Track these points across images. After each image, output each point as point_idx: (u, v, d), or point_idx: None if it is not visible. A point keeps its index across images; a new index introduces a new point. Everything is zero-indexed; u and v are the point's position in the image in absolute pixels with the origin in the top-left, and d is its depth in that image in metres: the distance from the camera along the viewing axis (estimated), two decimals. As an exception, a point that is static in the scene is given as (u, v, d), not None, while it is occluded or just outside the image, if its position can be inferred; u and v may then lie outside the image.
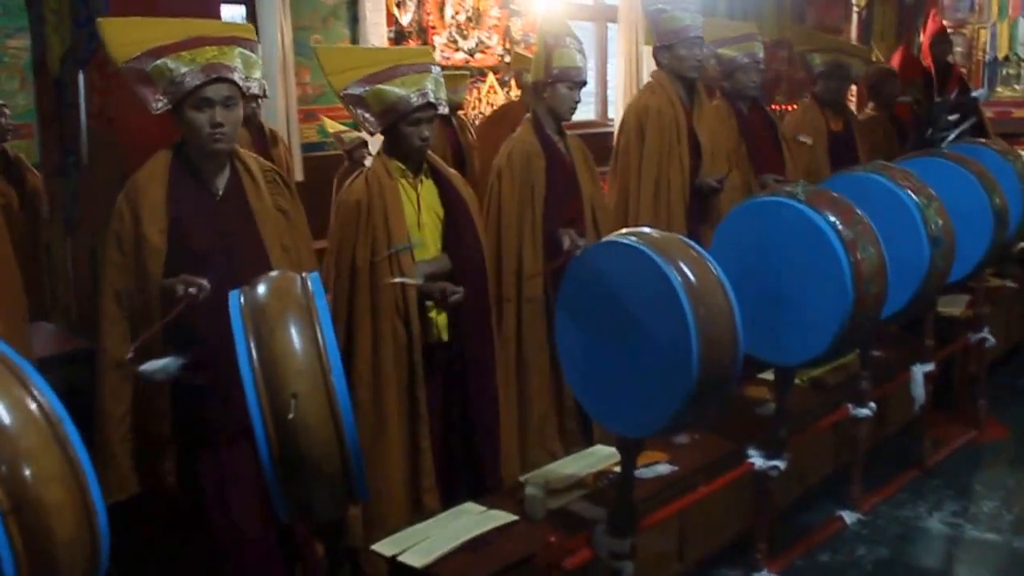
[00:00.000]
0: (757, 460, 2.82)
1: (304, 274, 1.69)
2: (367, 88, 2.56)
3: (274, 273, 1.70)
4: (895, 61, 5.51)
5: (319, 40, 7.77)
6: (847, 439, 3.42)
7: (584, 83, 3.12)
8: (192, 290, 2.08)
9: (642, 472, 2.75)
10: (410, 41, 8.35)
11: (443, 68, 8.25)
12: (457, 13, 8.87)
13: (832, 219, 2.44)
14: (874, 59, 5.63)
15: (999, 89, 7.40)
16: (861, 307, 2.43)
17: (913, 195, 2.91)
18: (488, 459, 2.72)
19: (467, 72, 7.90)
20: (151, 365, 2.02)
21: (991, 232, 3.36)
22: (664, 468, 2.77)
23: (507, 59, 8.98)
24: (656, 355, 1.99)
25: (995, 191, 3.37)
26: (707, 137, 3.53)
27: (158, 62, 2.19)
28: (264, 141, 5.49)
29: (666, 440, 2.91)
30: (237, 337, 1.56)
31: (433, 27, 8.76)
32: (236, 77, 2.24)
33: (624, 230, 2.11)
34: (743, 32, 3.95)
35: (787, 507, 3.26)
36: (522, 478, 2.70)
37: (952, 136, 4.40)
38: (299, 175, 7.07)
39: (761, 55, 3.93)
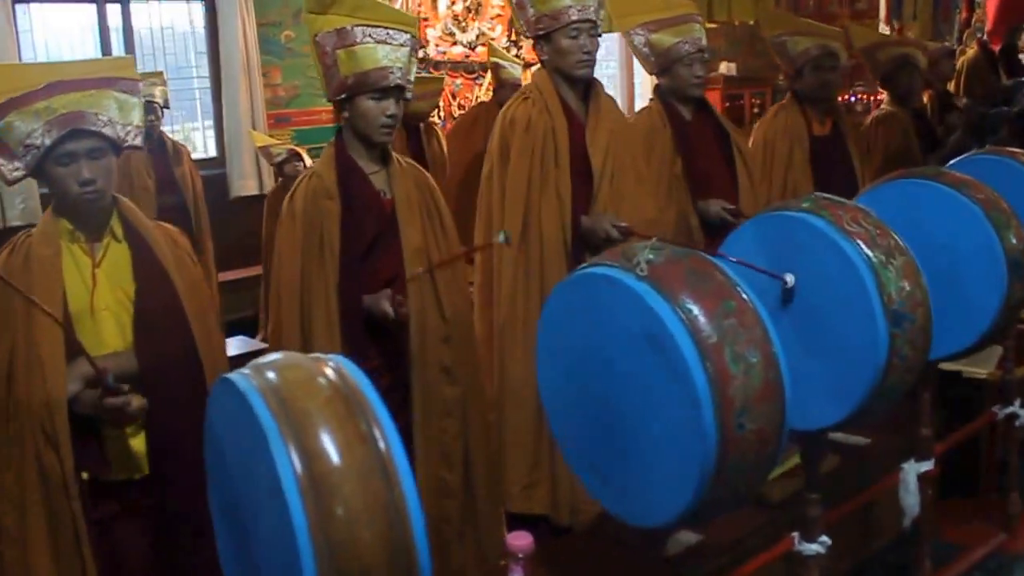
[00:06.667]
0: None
1: None
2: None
3: None
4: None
5: (291, 37, 7.08)
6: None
7: (399, 87, 2.26)
8: None
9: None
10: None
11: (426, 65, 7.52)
12: (454, 3, 8.06)
13: (689, 307, 1.52)
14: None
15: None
16: (733, 450, 1.50)
17: (865, 248, 1.94)
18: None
19: (438, 76, 7.18)
20: None
21: (1004, 284, 2.36)
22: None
23: (514, 52, 8.15)
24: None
25: (1009, 226, 2.37)
26: (603, 156, 2.59)
27: None
28: (165, 158, 4.76)
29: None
30: None
31: (426, 19, 7.95)
32: None
33: (258, 361, 1.24)
34: (680, 12, 3.00)
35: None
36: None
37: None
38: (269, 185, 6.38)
39: (705, 42, 2.99)
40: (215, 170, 6.46)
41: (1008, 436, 3.10)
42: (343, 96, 2.26)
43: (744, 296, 1.57)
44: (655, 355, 1.52)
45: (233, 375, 1.20)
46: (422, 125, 6.18)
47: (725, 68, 9.34)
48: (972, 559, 2.99)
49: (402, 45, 2.26)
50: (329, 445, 1.09)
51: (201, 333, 1.91)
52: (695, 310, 1.51)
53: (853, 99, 8.60)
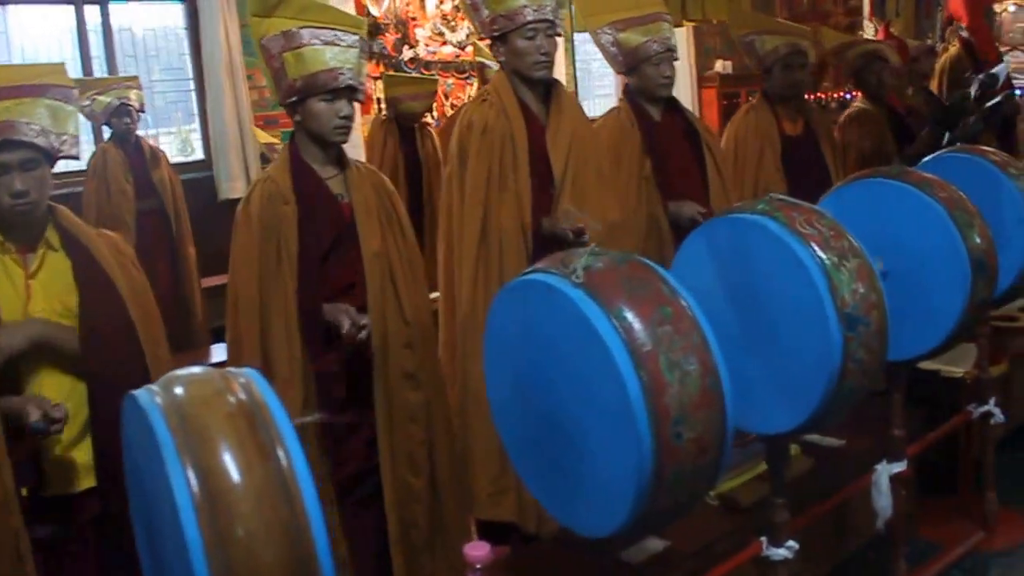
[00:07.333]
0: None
1: None
2: None
3: None
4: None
5: (275, 39, 7.03)
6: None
7: (352, 88, 2.23)
8: None
9: None
10: (386, 36, 7.55)
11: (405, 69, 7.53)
12: (442, 2, 8.01)
13: (624, 314, 1.49)
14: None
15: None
16: (670, 459, 1.48)
17: (818, 250, 1.91)
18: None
19: (432, 77, 7.17)
20: None
21: (967, 283, 2.32)
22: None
23: (503, 51, 8.13)
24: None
25: (972, 225, 2.33)
26: (564, 158, 2.56)
27: None
28: (143, 161, 4.73)
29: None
30: None
31: (414, 18, 7.91)
32: None
33: (170, 374, 1.22)
34: (649, 11, 2.96)
35: None
36: None
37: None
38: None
39: (674, 41, 2.95)
40: (202, 172, 6.42)
41: (983, 435, 3.07)
42: (294, 99, 2.23)
43: (682, 302, 1.54)
44: (590, 364, 1.49)
45: (138, 391, 1.18)
46: (416, 125, 6.17)
47: (721, 66, 9.28)
48: (949, 558, 2.96)
49: (351, 46, 2.23)
50: (228, 462, 1.07)
51: (148, 341, 1.89)
52: (630, 317, 1.48)
53: (848, 96, 8.52)
